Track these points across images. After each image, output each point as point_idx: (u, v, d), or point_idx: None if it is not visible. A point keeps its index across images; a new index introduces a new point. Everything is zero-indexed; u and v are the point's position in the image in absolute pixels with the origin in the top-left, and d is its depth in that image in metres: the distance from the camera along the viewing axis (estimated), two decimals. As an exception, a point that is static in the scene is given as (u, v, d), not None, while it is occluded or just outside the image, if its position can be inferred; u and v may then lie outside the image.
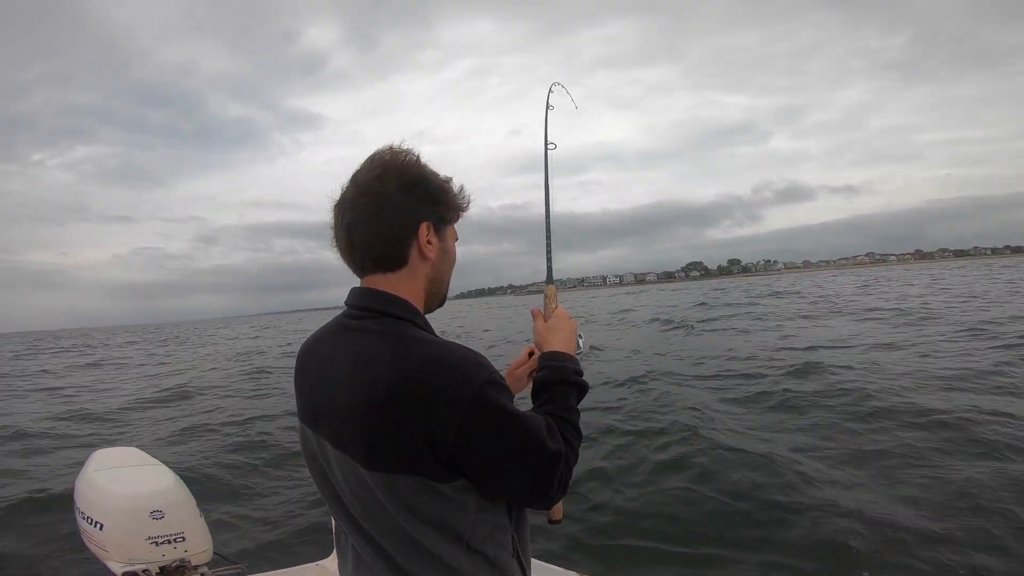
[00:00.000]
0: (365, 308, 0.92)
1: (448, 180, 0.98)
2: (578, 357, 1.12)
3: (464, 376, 0.83)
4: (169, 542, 1.91)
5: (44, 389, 12.86)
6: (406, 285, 0.94)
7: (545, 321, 1.17)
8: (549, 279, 1.27)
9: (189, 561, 1.97)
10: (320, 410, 0.93)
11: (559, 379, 1.02)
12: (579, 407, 1.02)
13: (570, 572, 2.14)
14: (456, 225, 1.03)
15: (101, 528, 1.88)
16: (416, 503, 0.84)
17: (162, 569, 1.93)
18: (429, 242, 0.94)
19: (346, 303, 0.97)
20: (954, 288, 25.23)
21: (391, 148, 0.93)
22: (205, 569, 2.04)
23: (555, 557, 2.76)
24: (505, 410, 0.85)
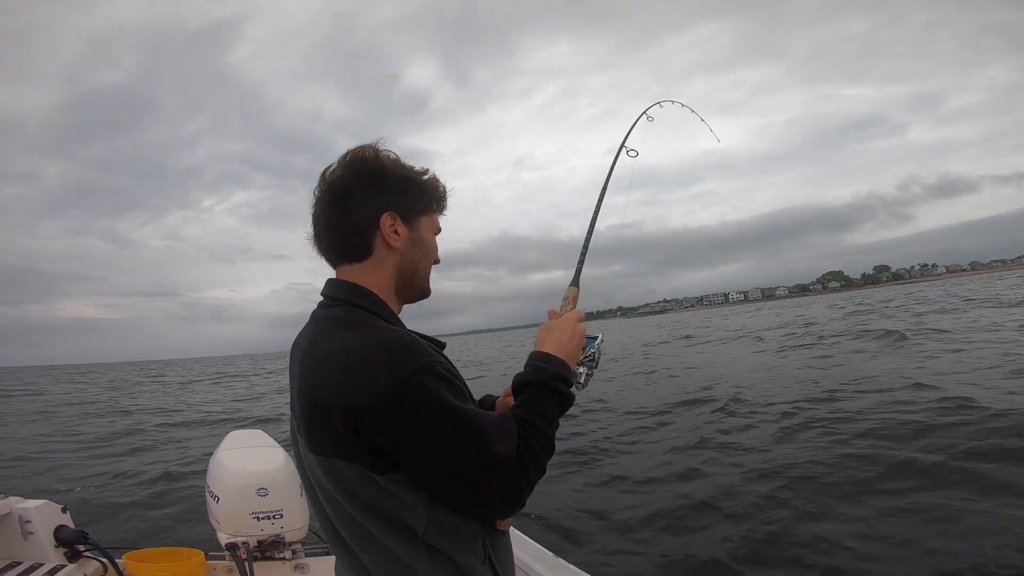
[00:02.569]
0: (331, 298, 0.95)
1: (423, 172, 0.97)
2: (582, 371, 1.03)
3: (393, 362, 0.79)
4: (269, 518, 2.19)
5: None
6: (372, 275, 0.94)
7: None
8: (575, 281, 1.19)
9: (284, 537, 2.25)
10: (292, 398, 0.95)
11: (536, 380, 0.93)
12: (558, 421, 0.92)
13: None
14: (442, 219, 1.02)
15: (218, 501, 2.22)
16: (360, 492, 0.83)
17: (259, 543, 2.23)
18: (396, 232, 0.93)
19: (321, 294, 0.99)
20: None
21: (360, 145, 0.95)
22: (297, 546, 2.32)
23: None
24: (436, 401, 0.80)
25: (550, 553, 2.07)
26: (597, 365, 1.07)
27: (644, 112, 1.54)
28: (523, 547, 2.09)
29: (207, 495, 2.28)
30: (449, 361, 0.91)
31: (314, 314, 0.96)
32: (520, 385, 0.94)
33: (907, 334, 12.87)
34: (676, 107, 1.60)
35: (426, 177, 0.98)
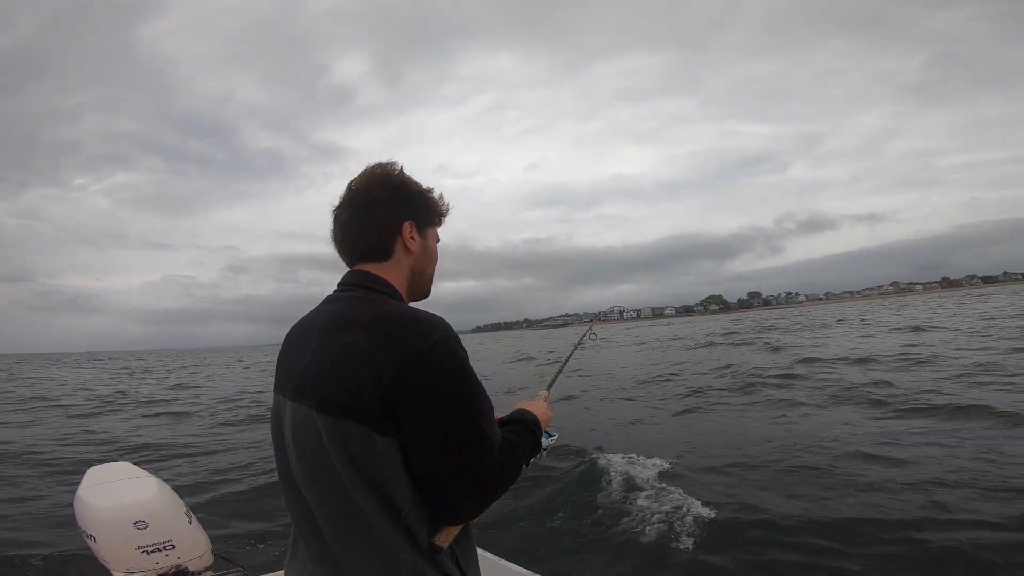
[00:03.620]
0: (351, 284, 1.04)
1: (430, 190, 1.12)
2: (544, 446, 1.20)
3: (429, 328, 0.90)
4: (160, 550, 1.93)
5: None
6: (391, 273, 1.05)
7: None
8: (548, 387, 1.50)
9: (186, 567, 1.99)
10: (290, 372, 1.00)
11: (519, 419, 1.11)
12: (527, 462, 1.06)
13: None
14: (440, 231, 1.17)
15: (95, 540, 1.93)
16: (359, 456, 0.87)
17: None
18: (412, 237, 1.06)
19: (338, 284, 1.07)
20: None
21: (380, 163, 1.08)
22: (210, 573, 2.07)
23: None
24: (460, 366, 0.91)
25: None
26: (544, 454, 1.24)
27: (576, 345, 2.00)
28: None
29: (84, 537, 1.99)
30: None
31: (330, 297, 1.06)
32: (506, 420, 1.10)
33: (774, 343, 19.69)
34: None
35: (434, 194, 1.12)
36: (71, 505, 2.00)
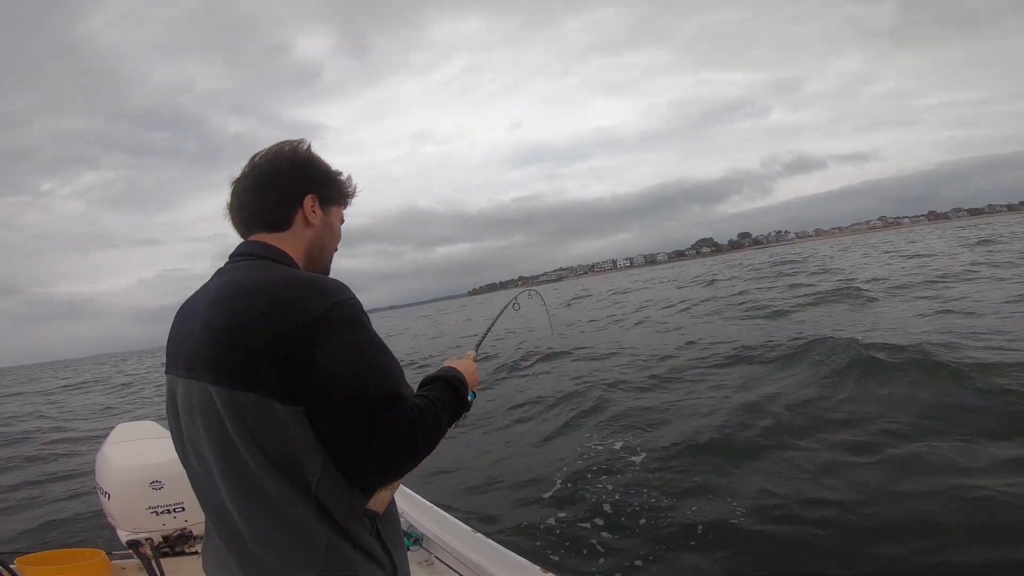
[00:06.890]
0: (245, 255, 1.00)
1: (339, 172, 1.13)
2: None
3: (325, 291, 0.88)
4: (169, 511, 2.07)
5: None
6: (288, 243, 1.04)
7: None
8: (476, 347, 1.49)
9: (190, 531, 2.13)
10: (180, 349, 0.95)
11: (443, 376, 1.09)
12: (453, 420, 1.05)
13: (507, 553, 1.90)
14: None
15: (109, 498, 2.05)
16: (259, 429, 0.84)
17: (165, 538, 2.10)
18: (314, 211, 1.07)
19: (230, 256, 1.04)
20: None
21: (288, 140, 1.09)
22: None
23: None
24: (364, 326, 0.89)
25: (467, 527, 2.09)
26: (468, 415, 1.21)
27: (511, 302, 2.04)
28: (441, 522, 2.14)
29: (98, 493, 2.11)
30: None
31: (221, 270, 1.01)
32: (427, 380, 1.09)
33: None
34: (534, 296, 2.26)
35: (342, 176, 1.14)
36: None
